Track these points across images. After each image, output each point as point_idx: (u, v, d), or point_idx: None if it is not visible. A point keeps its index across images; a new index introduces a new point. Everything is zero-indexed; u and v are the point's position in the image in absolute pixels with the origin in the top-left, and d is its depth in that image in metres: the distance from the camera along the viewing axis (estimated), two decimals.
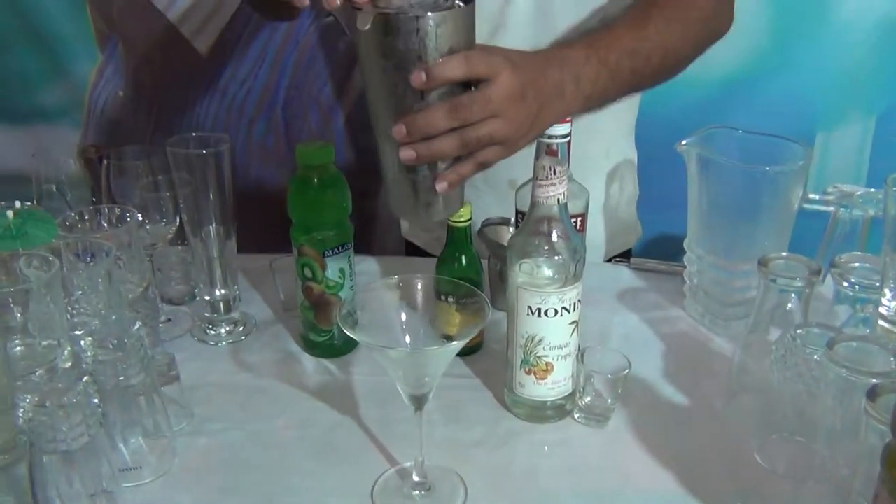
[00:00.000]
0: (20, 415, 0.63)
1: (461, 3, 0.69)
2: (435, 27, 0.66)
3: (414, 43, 0.66)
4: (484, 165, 0.74)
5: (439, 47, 0.67)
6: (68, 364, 0.71)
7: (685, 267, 1.01)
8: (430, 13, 0.66)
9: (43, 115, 1.57)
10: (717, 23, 0.97)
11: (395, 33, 0.66)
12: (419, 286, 0.73)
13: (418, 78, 0.67)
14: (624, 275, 1.12)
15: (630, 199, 1.21)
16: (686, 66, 0.94)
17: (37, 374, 0.66)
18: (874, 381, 0.63)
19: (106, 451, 0.71)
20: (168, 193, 0.96)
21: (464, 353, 0.93)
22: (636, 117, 1.17)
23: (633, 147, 1.19)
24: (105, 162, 0.94)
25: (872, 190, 0.93)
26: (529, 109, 0.71)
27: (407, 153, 0.70)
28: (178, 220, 0.97)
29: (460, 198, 0.78)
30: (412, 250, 1.26)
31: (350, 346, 0.94)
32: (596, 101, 0.81)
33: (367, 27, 0.66)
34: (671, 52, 0.89)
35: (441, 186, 0.72)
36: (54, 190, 0.99)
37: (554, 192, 0.74)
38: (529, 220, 0.77)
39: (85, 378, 0.66)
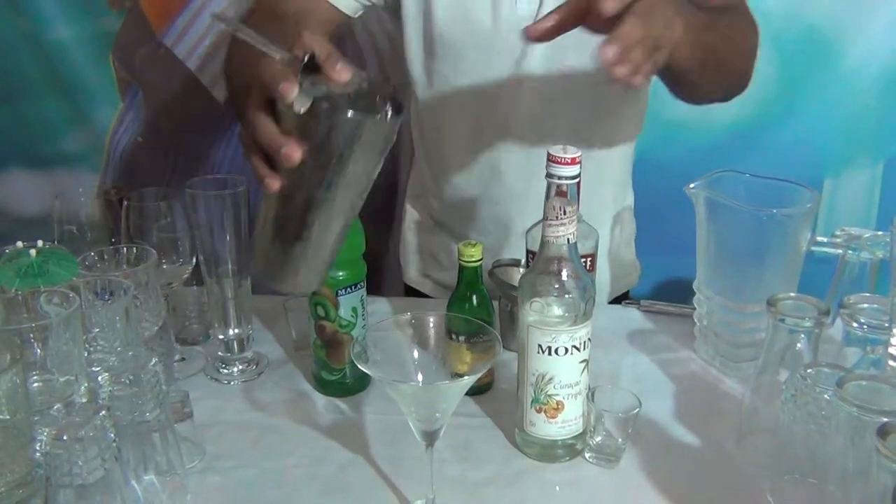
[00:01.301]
0: (37, 448, 0.64)
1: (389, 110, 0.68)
2: (355, 128, 0.65)
3: (333, 137, 0.65)
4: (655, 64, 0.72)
5: (352, 147, 0.66)
6: (85, 399, 0.72)
7: (695, 308, 1.02)
8: (352, 113, 0.65)
9: (63, 160, 1.60)
10: (749, 69, 0.98)
11: (317, 122, 0.65)
12: (431, 324, 0.74)
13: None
14: (634, 316, 1.12)
15: (629, 240, 1.24)
16: (722, 91, 0.96)
17: (55, 408, 0.67)
18: (885, 419, 0.63)
19: (120, 486, 0.71)
20: (185, 234, 0.98)
21: (475, 393, 0.94)
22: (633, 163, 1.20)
23: (631, 190, 1.22)
24: (126, 203, 0.97)
25: (880, 233, 0.94)
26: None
27: None
28: (194, 260, 0.99)
29: (323, 273, 0.76)
30: (415, 296, 1.27)
31: (362, 384, 0.95)
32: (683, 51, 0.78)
33: (303, 110, 0.64)
34: (736, 60, 0.91)
35: (621, 72, 0.68)
36: (74, 231, 1.01)
37: (564, 232, 0.76)
38: (540, 260, 0.78)
39: (102, 412, 0.67)
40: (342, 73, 0.65)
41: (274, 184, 0.66)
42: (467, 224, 1.15)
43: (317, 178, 0.67)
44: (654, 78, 0.92)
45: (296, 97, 0.64)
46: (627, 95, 1.09)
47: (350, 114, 0.65)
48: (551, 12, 0.72)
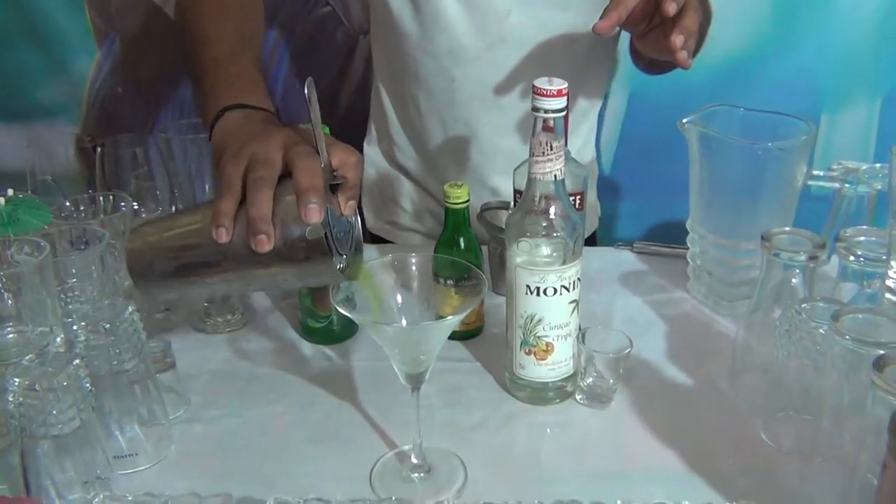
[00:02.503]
0: (10, 399, 0.63)
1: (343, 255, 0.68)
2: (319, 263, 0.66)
3: (294, 254, 0.65)
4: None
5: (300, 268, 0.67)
6: (62, 350, 0.71)
7: (688, 248, 1.00)
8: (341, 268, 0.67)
9: (42, 113, 1.56)
10: None
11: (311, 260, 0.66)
12: (414, 266, 0.71)
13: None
14: (626, 259, 1.10)
15: (592, 184, 1.23)
16: None
17: (27, 358, 0.65)
18: (881, 351, 0.62)
19: (100, 437, 0.70)
20: (163, 182, 0.95)
21: (464, 338, 0.92)
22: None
23: (594, 144, 1.21)
24: (99, 150, 0.94)
25: (878, 165, 0.91)
26: None
27: None
28: (173, 208, 0.96)
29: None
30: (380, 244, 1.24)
31: (349, 331, 0.93)
32: None
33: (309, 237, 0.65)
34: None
35: (683, 56, 0.81)
36: (50, 181, 0.99)
37: (551, 168, 0.73)
38: (526, 198, 0.76)
39: (76, 361, 0.65)
40: (349, 209, 0.69)
41: (223, 236, 0.65)
42: (436, 174, 1.13)
43: (248, 264, 0.66)
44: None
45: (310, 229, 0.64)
46: (602, 58, 1.10)
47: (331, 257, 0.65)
48: (614, 9, 0.79)
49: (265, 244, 0.64)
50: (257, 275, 0.67)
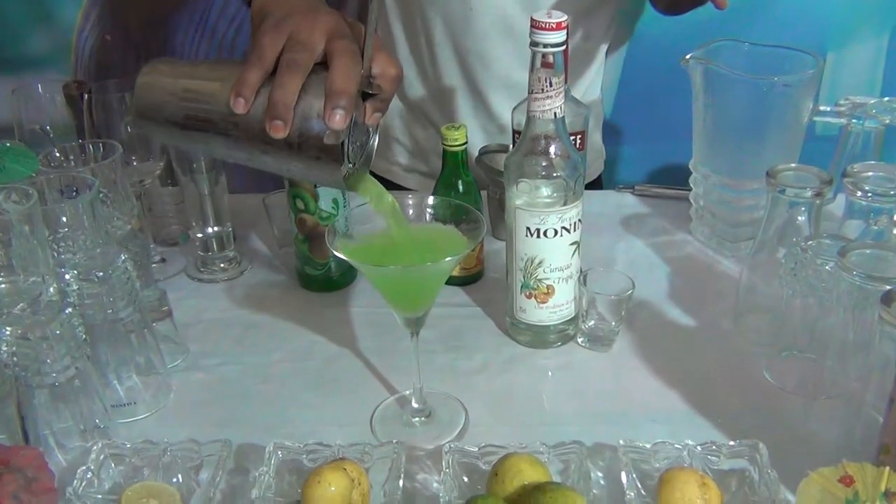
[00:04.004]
0: (3, 349, 0.62)
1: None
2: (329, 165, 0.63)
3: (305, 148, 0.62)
4: None
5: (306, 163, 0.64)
6: (54, 299, 0.69)
7: (691, 189, 0.98)
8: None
9: (30, 63, 1.53)
10: None
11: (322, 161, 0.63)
12: (411, 208, 0.70)
13: None
14: (629, 201, 1.09)
15: (598, 125, 1.21)
16: None
17: (19, 307, 0.64)
18: (889, 287, 0.60)
19: (97, 387, 0.69)
20: None
21: (464, 283, 0.91)
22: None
23: (600, 85, 1.18)
24: (86, 97, 0.91)
25: (887, 99, 0.89)
26: None
27: None
28: (164, 156, 0.94)
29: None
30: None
31: (347, 278, 0.92)
32: None
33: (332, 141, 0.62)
34: None
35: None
36: (38, 130, 0.96)
37: (550, 106, 0.71)
38: (526, 138, 0.74)
39: (68, 310, 0.64)
40: (373, 120, 0.66)
41: (240, 107, 0.62)
42: (444, 110, 1.10)
43: (255, 142, 0.63)
44: None
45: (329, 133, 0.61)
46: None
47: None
48: None
49: (280, 131, 0.61)
50: (261, 155, 0.64)
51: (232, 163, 0.69)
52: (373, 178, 0.68)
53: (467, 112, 1.07)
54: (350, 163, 0.65)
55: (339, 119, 0.60)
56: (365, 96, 0.65)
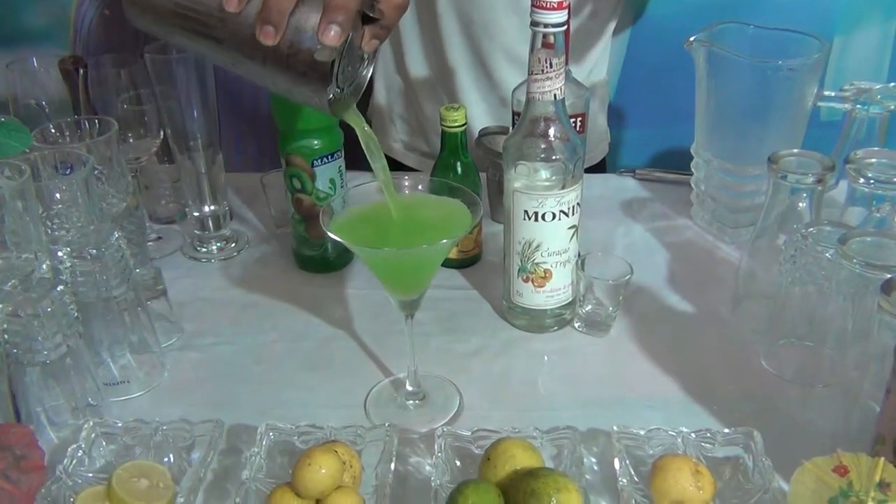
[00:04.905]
0: None
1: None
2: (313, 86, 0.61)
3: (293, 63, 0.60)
4: None
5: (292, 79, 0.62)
6: (46, 277, 0.69)
7: (692, 174, 0.97)
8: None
9: (28, 38, 1.51)
10: None
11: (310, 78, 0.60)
12: (407, 189, 0.69)
13: None
14: (629, 185, 1.08)
15: (603, 107, 1.19)
16: None
17: (10, 284, 0.63)
18: (889, 275, 0.60)
19: (89, 365, 0.69)
20: (151, 106, 0.92)
21: (461, 265, 0.90)
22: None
23: (606, 65, 1.17)
24: (82, 72, 0.90)
25: (892, 85, 0.87)
26: None
27: None
28: (161, 133, 0.93)
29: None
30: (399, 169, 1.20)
31: (343, 260, 0.91)
32: None
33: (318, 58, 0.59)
34: None
35: None
36: (34, 105, 0.95)
37: (550, 87, 0.70)
38: (525, 120, 0.73)
39: (60, 287, 0.63)
40: (370, 46, 0.63)
41: (233, 5, 0.59)
42: (447, 85, 1.09)
43: (243, 47, 0.61)
44: None
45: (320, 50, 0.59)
46: None
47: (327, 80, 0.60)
48: None
49: (270, 37, 0.58)
50: (246, 61, 0.62)
51: (223, 69, 0.66)
52: (358, 112, 0.66)
53: (470, 84, 1.06)
54: (338, 87, 0.62)
55: (333, 35, 0.57)
56: (366, 20, 0.62)
